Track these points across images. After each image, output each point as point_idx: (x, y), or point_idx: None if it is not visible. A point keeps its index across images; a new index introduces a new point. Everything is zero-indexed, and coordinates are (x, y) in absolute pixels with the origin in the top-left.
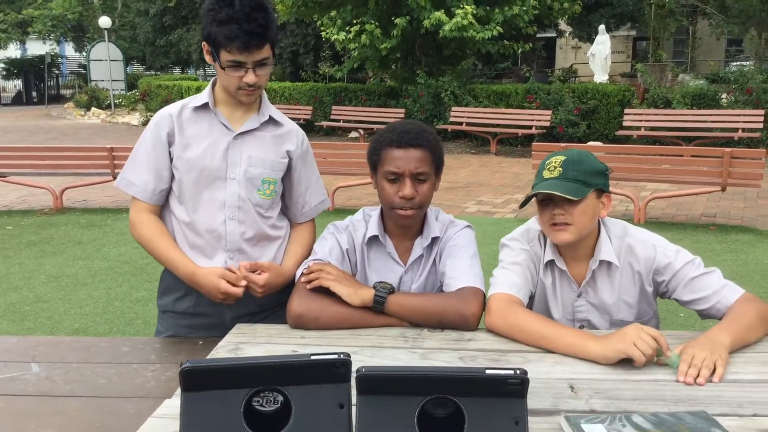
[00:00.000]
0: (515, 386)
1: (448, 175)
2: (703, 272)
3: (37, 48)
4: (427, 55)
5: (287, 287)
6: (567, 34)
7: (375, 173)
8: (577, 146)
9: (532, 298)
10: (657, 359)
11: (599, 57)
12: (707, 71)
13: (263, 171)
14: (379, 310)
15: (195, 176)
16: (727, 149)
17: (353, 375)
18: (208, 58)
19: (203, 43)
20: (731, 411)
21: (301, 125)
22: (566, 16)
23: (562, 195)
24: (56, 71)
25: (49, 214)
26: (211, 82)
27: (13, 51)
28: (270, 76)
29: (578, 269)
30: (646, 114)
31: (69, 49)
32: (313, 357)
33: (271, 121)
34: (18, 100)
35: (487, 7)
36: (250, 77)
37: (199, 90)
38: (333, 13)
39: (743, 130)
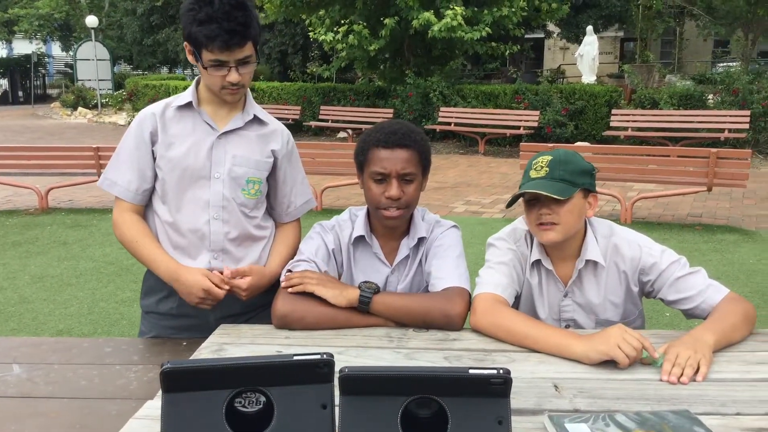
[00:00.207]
0: (498, 386)
1: (436, 175)
2: (689, 272)
3: (23, 47)
4: (415, 56)
5: (272, 287)
6: (555, 35)
7: (362, 173)
8: (564, 146)
9: (518, 297)
10: (642, 359)
11: (587, 58)
12: (694, 72)
13: (248, 170)
14: (364, 310)
15: (178, 175)
16: (713, 149)
17: (336, 375)
18: (190, 58)
19: (185, 43)
20: (714, 410)
21: (289, 125)
22: (554, 19)
23: (548, 195)
24: (43, 71)
25: (34, 214)
26: (194, 81)
27: None
28: (258, 76)
29: (564, 269)
30: (633, 115)
31: (56, 49)
32: (295, 357)
33: (256, 120)
34: (4, 99)
35: (476, 8)
36: (233, 76)
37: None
38: (321, 13)
39: (729, 130)
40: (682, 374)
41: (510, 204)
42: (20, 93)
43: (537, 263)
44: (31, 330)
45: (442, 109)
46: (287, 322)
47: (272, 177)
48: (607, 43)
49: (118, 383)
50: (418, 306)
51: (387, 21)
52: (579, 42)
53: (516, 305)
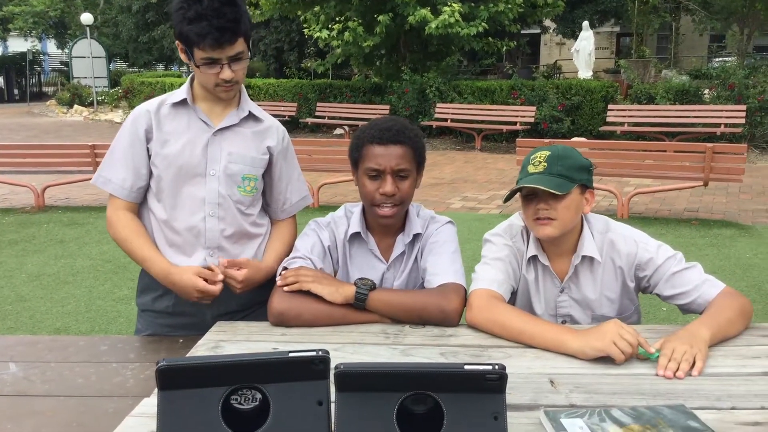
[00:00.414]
0: (494, 381)
1: (433, 171)
2: (685, 267)
3: (18, 45)
4: (411, 52)
5: (268, 284)
6: (551, 31)
7: (356, 170)
8: (561, 142)
9: (514, 293)
10: (637, 355)
11: (583, 53)
12: (690, 67)
13: (243, 167)
14: (360, 306)
15: (174, 173)
16: (710, 144)
17: (332, 372)
18: (183, 56)
19: (177, 42)
20: (710, 404)
21: (285, 122)
22: (550, 15)
23: (546, 189)
24: (38, 68)
25: (30, 212)
26: (189, 78)
27: None
28: (254, 73)
29: (561, 265)
30: (630, 110)
31: (51, 46)
32: (291, 354)
33: (251, 116)
34: None
35: (472, 4)
36: (226, 73)
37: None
38: (317, 9)
39: (725, 125)
40: (678, 369)
41: (507, 199)
42: (16, 91)
43: (533, 259)
44: (28, 328)
45: (438, 105)
46: (283, 319)
47: (268, 174)
48: (603, 39)
49: (115, 381)
50: (414, 302)
51: (381, 18)
52: (575, 37)
53: (512, 301)
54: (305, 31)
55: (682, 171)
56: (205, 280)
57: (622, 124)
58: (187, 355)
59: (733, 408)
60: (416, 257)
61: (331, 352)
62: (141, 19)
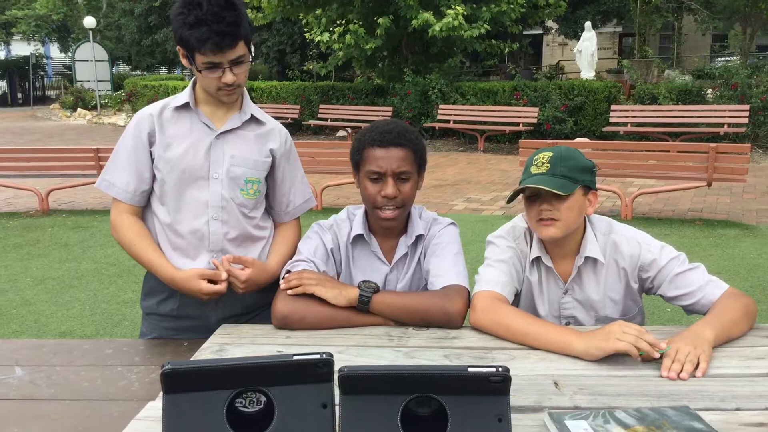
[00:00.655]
0: (498, 384)
1: (435, 173)
2: (688, 268)
3: (21, 49)
4: (413, 54)
5: (272, 287)
6: (553, 31)
7: (357, 173)
8: (564, 143)
9: (518, 295)
10: (641, 355)
11: (585, 53)
12: (693, 67)
13: (246, 170)
14: (364, 309)
15: (177, 176)
16: (713, 144)
17: (336, 375)
18: (184, 61)
19: (178, 47)
20: (714, 405)
21: (288, 124)
22: (552, 16)
23: (549, 190)
24: (41, 72)
25: (35, 216)
26: (191, 82)
27: None
28: (257, 76)
29: (564, 266)
30: (633, 110)
31: (54, 50)
32: (295, 357)
33: (253, 119)
34: (3, 101)
35: (474, 5)
36: (228, 77)
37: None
38: (318, 12)
39: (729, 125)
40: (681, 370)
41: (510, 199)
42: (19, 95)
43: (537, 260)
44: (34, 332)
45: (441, 106)
46: (287, 322)
47: (271, 176)
48: (605, 39)
49: (120, 384)
50: (418, 304)
51: (381, 20)
52: (577, 38)
53: (516, 303)
54: (306, 35)
55: (685, 171)
56: (211, 281)
57: (625, 124)
58: (191, 358)
59: (737, 409)
60: (419, 259)
61: (335, 355)
62: (144, 22)
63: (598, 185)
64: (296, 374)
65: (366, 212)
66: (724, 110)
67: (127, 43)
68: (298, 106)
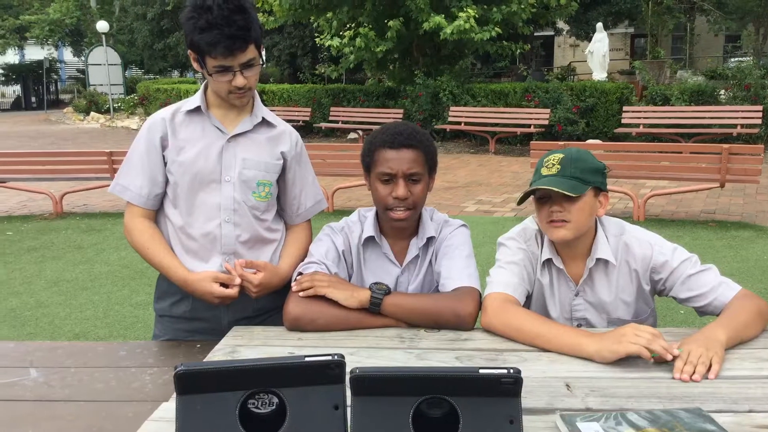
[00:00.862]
0: (509, 385)
1: (447, 175)
2: (700, 270)
3: (35, 53)
4: (424, 56)
5: (283, 289)
6: (565, 33)
7: (368, 175)
8: (575, 144)
9: (529, 297)
10: (653, 357)
11: (597, 55)
12: (705, 68)
13: (257, 173)
14: (375, 311)
15: (189, 180)
16: (726, 145)
17: (348, 376)
18: (195, 65)
19: (189, 51)
20: (727, 407)
21: (299, 127)
22: (563, 17)
23: (560, 191)
24: (55, 76)
25: (49, 219)
26: (202, 85)
27: (11, 56)
28: (268, 79)
29: (575, 268)
30: (645, 111)
31: (67, 54)
32: (307, 359)
33: (264, 122)
34: (17, 105)
35: (485, 6)
36: (239, 80)
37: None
38: (329, 15)
39: (742, 126)
40: (694, 372)
41: (521, 201)
42: (33, 99)
43: (548, 262)
44: (48, 334)
45: (452, 108)
46: (299, 324)
47: (282, 179)
48: (617, 40)
49: (134, 386)
50: (429, 306)
51: (392, 23)
52: (589, 39)
53: (527, 305)
54: (317, 40)
55: (698, 172)
56: (223, 284)
57: (637, 125)
58: (204, 360)
59: (750, 411)
60: (430, 261)
61: (347, 357)
62: (156, 26)
63: (610, 187)
64: (308, 376)
65: (377, 214)
66: (737, 111)
67: (139, 47)
68: (309, 109)
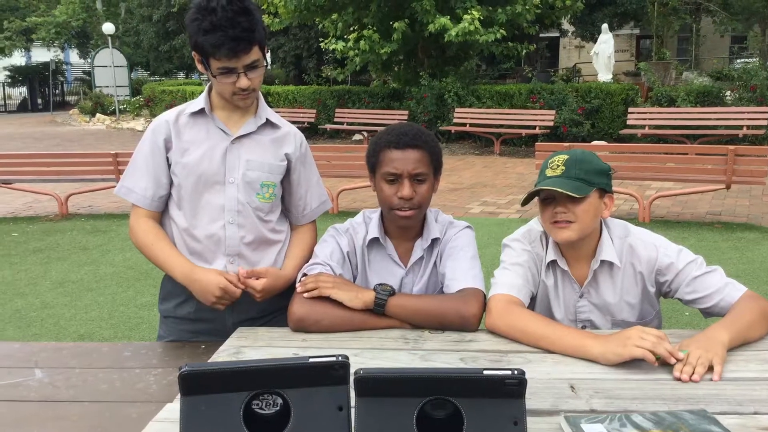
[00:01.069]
0: (513, 387)
1: (452, 176)
2: (705, 271)
3: (41, 55)
4: (429, 57)
5: (288, 290)
6: (570, 34)
7: (374, 175)
8: (581, 146)
9: (534, 298)
10: (657, 360)
11: (602, 56)
12: (711, 69)
13: (261, 174)
14: (380, 312)
15: (193, 181)
16: (732, 147)
17: (352, 377)
18: (199, 66)
19: (193, 52)
20: (731, 409)
21: (304, 128)
22: (569, 15)
23: (564, 192)
24: (61, 78)
25: (54, 220)
26: (206, 87)
27: (17, 58)
28: (273, 80)
29: (580, 270)
30: (650, 112)
31: (73, 56)
32: (311, 360)
33: (269, 123)
34: (23, 107)
35: (490, 7)
36: (242, 82)
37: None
38: (335, 17)
39: (748, 127)
40: (693, 372)
41: (525, 202)
42: (39, 100)
43: (552, 264)
44: (53, 335)
45: (457, 110)
46: (303, 325)
47: (287, 180)
48: (622, 41)
49: (138, 386)
50: (434, 307)
51: (397, 25)
52: (594, 40)
53: (532, 306)
54: (321, 44)
55: (703, 174)
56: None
57: (642, 127)
58: (208, 361)
59: (755, 413)
60: (435, 262)
61: (351, 358)
62: (162, 28)
63: (615, 188)
64: (312, 376)
65: (382, 216)
66: (743, 112)
67: (145, 49)
68: (314, 111)
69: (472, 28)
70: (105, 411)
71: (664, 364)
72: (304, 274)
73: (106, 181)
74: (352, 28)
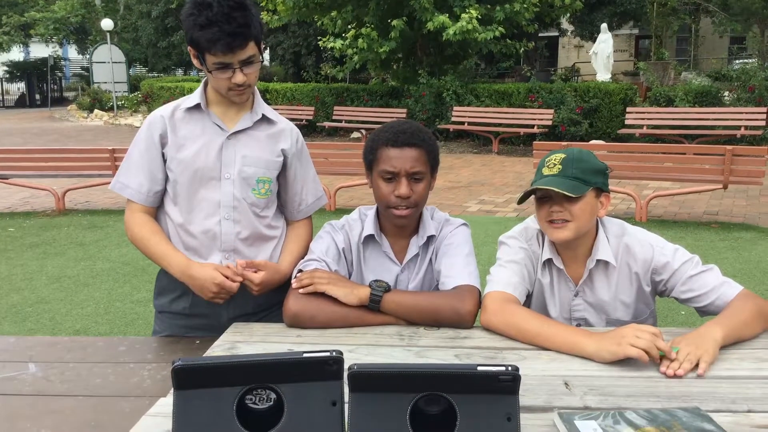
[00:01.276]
0: (507, 383)
1: (449, 175)
2: (701, 270)
3: (40, 51)
4: (428, 55)
5: (284, 286)
6: (569, 33)
7: (370, 172)
8: (579, 145)
9: (529, 296)
10: (657, 357)
11: (601, 55)
12: (710, 69)
13: (257, 170)
14: (375, 308)
15: (189, 177)
16: (729, 147)
17: (346, 372)
18: (195, 62)
19: (189, 48)
20: (725, 407)
21: (303, 126)
22: (568, 14)
23: (560, 191)
24: (59, 74)
25: (51, 215)
26: (202, 83)
27: (16, 54)
28: (272, 77)
29: (576, 268)
30: (649, 112)
31: (72, 52)
32: (305, 355)
33: (265, 119)
34: (21, 102)
35: (488, 6)
36: (238, 77)
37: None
38: (334, 14)
39: (746, 127)
40: (679, 368)
41: (521, 200)
42: (37, 96)
43: (548, 262)
44: (48, 330)
45: (455, 108)
46: (298, 321)
47: (283, 176)
48: (621, 41)
49: (132, 381)
50: (429, 304)
51: (395, 23)
52: (593, 40)
53: (527, 304)
54: (320, 42)
55: (701, 174)
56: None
57: (640, 126)
58: (203, 356)
59: (749, 411)
60: (430, 259)
61: (346, 354)
62: (160, 24)
63: (612, 188)
64: (306, 372)
65: (377, 212)
66: (741, 112)
67: (143, 45)
68: (313, 108)
69: (470, 26)
70: (98, 405)
71: (659, 362)
72: (300, 270)
73: (103, 176)
74: (350, 26)
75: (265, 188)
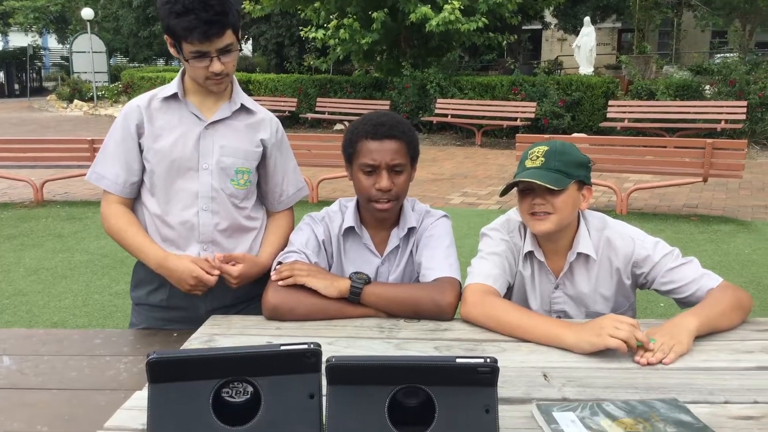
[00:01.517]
0: (485, 375)
1: (432, 167)
2: (681, 263)
3: (19, 40)
4: (412, 47)
5: (263, 278)
6: (552, 26)
7: (350, 165)
8: (561, 138)
9: (510, 288)
10: (636, 348)
11: (584, 49)
12: (691, 63)
13: (236, 161)
14: (355, 300)
15: (166, 167)
16: (710, 140)
17: (324, 365)
18: (172, 51)
19: (165, 36)
20: (702, 398)
21: (285, 117)
22: (551, 7)
23: (543, 184)
24: (39, 63)
25: (29, 206)
26: (180, 72)
27: None
28: (255, 68)
29: (557, 261)
30: (630, 106)
31: (51, 41)
32: (282, 347)
33: (244, 109)
34: (0, 92)
35: None
36: (215, 66)
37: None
38: (317, 5)
39: (726, 121)
40: (652, 357)
41: (504, 193)
42: (16, 86)
43: (530, 255)
44: (25, 322)
45: (439, 100)
46: (278, 313)
47: (263, 166)
48: (604, 35)
49: (108, 374)
50: (409, 296)
51: (376, 15)
52: (576, 33)
53: (508, 296)
54: (302, 33)
55: (681, 167)
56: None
57: (622, 120)
58: (180, 349)
59: (726, 402)
60: (411, 251)
61: (325, 346)
62: (141, 14)
63: (594, 180)
64: (283, 364)
65: (358, 204)
66: (722, 106)
67: (124, 35)
68: (296, 99)
69: (452, 17)
70: (73, 398)
71: (636, 353)
72: (279, 262)
73: (82, 167)
74: (333, 17)
75: (244, 179)
